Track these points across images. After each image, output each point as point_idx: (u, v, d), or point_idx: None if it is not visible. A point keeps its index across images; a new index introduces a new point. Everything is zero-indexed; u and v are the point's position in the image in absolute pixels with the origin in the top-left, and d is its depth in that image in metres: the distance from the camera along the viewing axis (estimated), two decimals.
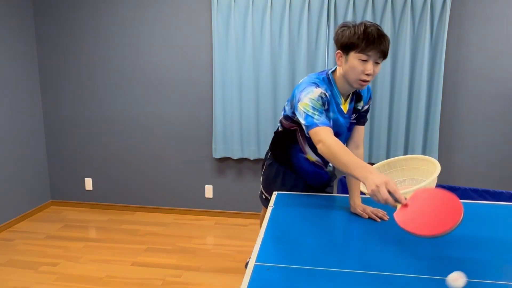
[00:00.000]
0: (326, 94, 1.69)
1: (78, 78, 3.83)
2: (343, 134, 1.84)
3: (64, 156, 4.01)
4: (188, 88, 3.68)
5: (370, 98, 1.89)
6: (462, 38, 3.29)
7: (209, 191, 3.86)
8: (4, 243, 3.28)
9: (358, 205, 1.74)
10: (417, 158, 2.30)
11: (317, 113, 1.62)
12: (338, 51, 1.65)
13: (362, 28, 1.54)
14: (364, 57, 1.56)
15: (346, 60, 1.62)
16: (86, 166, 4.00)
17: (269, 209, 1.77)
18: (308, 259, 1.29)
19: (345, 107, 1.78)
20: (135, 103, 3.79)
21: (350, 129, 1.89)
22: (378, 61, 1.59)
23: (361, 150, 1.94)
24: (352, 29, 1.57)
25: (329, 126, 1.60)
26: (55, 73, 3.86)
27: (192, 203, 3.92)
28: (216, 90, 3.53)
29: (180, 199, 3.93)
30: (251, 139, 3.55)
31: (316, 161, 1.98)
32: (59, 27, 3.76)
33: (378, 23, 3.29)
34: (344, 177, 2.67)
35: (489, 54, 3.28)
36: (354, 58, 1.58)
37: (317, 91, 1.66)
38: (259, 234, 1.50)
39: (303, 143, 1.94)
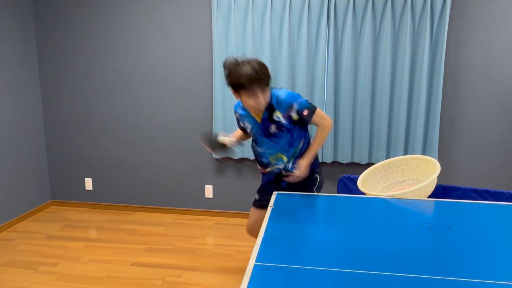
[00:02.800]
0: (235, 113, 2.20)
1: (78, 78, 3.83)
2: (259, 138, 2.13)
3: (64, 156, 4.01)
4: (188, 88, 3.69)
5: (289, 107, 2.00)
6: (462, 38, 3.29)
7: (209, 191, 3.86)
8: (4, 243, 3.28)
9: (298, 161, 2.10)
10: (417, 158, 2.31)
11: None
12: (231, 88, 1.92)
13: (240, 70, 1.83)
14: (248, 94, 1.87)
15: (239, 96, 1.92)
16: (86, 166, 4.00)
17: (269, 209, 1.78)
18: (308, 259, 1.29)
19: (258, 118, 2.07)
20: (135, 103, 3.79)
21: (273, 134, 2.07)
22: (264, 89, 1.89)
23: (320, 127, 2.10)
24: (235, 71, 1.85)
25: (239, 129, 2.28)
26: (55, 73, 3.86)
27: (192, 203, 3.92)
28: (216, 90, 3.53)
29: (180, 199, 3.93)
30: (251, 139, 3.54)
31: (260, 169, 2.30)
32: (59, 27, 3.76)
33: (378, 23, 3.29)
34: (345, 177, 2.67)
35: (489, 54, 3.28)
36: (244, 95, 1.90)
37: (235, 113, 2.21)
38: (259, 234, 1.50)
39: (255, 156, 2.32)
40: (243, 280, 1.16)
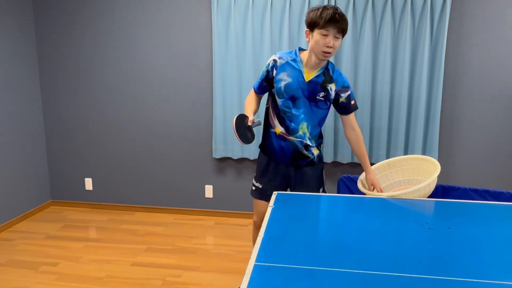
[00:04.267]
0: (277, 60, 2.12)
1: (78, 78, 3.83)
2: (300, 98, 2.10)
3: (64, 156, 4.01)
4: (188, 88, 3.69)
5: (344, 87, 2.14)
6: (462, 38, 3.29)
7: (209, 191, 3.86)
8: (4, 243, 3.28)
9: (368, 179, 2.19)
10: (417, 158, 2.31)
11: (259, 78, 2.22)
12: (306, 29, 2.02)
13: (321, 10, 1.92)
14: (324, 32, 1.93)
15: (312, 36, 1.99)
16: (86, 166, 4.00)
17: (269, 209, 1.78)
18: (308, 259, 1.29)
19: (308, 76, 2.09)
20: (135, 103, 3.79)
21: (317, 101, 2.11)
22: (337, 36, 1.96)
23: (357, 131, 2.24)
24: (316, 11, 1.94)
25: (255, 89, 2.24)
26: (55, 73, 3.86)
27: (192, 203, 3.92)
28: (216, 90, 3.53)
29: (180, 199, 3.93)
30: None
31: (281, 132, 2.19)
32: (59, 27, 3.76)
33: (378, 23, 3.29)
34: (344, 177, 2.67)
35: (489, 54, 3.28)
36: (317, 34, 1.95)
37: (270, 59, 2.16)
38: (259, 234, 1.50)
39: (272, 116, 2.21)
40: (243, 280, 1.16)
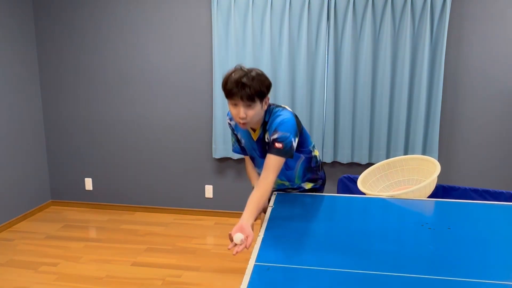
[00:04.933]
0: (230, 122, 1.98)
1: (78, 78, 3.83)
2: (256, 158, 1.94)
3: (64, 156, 4.01)
4: (188, 88, 3.68)
5: (274, 130, 1.74)
6: (462, 38, 3.29)
7: (209, 191, 3.86)
8: (4, 243, 3.28)
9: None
10: (417, 158, 2.31)
11: (231, 140, 2.06)
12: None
13: (228, 76, 1.64)
14: (232, 102, 1.66)
15: (230, 110, 1.72)
16: (86, 166, 4.00)
17: (269, 209, 1.78)
18: (308, 259, 1.29)
19: (254, 135, 1.86)
20: (135, 103, 3.79)
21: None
22: (249, 104, 1.63)
23: (268, 179, 1.71)
24: (225, 79, 1.66)
25: (239, 153, 2.07)
26: (55, 73, 3.86)
27: (192, 203, 3.92)
28: (216, 90, 3.53)
29: (180, 199, 3.93)
30: None
31: None
32: (59, 27, 3.76)
33: (378, 23, 3.29)
34: (344, 177, 2.67)
35: (489, 54, 3.28)
36: (229, 104, 1.70)
37: (228, 123, 2.00)
38: (259, 234, 1.50)
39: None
40: (243, 280, 1.16)
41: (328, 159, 3.52)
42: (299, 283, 1.15)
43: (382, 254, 1.32)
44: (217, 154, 3.66)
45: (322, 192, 2.12)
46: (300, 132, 1.85)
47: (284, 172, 1.96)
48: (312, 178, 2.03)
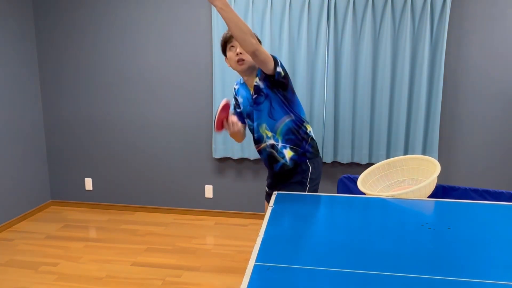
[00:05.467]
0: (234, 88, 2.26)
1: (78, 78, 3.83)
2: (252, 112, 2.12)
3: (64, 156, 4.01)
4: (188, 88, 3.69)
5: (261, 71, 2.06)
6: (462, 38, 3.29)
7: (209, 191, 3.86)
8: (4, 243, 3.28)
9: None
10: (417, 158, 2.31)
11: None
12: (226, 58, 2.13)
13: (222, 37, 2.10)
14: (230, 46, 2.06)
15: (227, 57, 2.10)
16: (86, 166, 4.00)
17: (269, 209, 1.78)
18: (308, 259, 1.29)
19: (251, 89, 2.14)
20: (135, 103, 3.79)
21: (256, 101, 2.08)
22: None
23: None
24: (221, 40, 2.12)
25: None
26: (55, 73, 3.86)
27: (192, 203, 3.92)
28: (216, 90, 3.53)
29: (180, 199, 3.93)
30: (251, 139, 3.55)
31: (255, 147, 2.24)
32: (59, 27, 3.76)
33: (378, 23, 3.29)
34: (344, 177, 2.67)
35: (489, 54, 3.28)
36: (228, 52, 2.08)
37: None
38: (259, 234, 1.50)
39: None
40: (243, 280, 1.16)
41: (328, 159, 3.52)
42: (299, 283, 1.15)
43: (382, 254, 1.32)
44: (217, 154, 3.66)
45: (308, 171, 2.13)
46: (287, 76, 2.08)
47: (267, 119, 2.09)
48: (295, 143, 2.09)
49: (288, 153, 2.11)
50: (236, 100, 2.26)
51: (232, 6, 3.35)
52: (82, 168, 4.01)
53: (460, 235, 1.47)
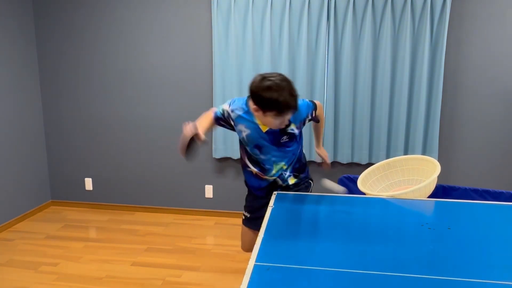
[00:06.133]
0: (230, 113, 1.97)
1: (78, 78, 3.83)
2: (266, 146, 1.97)
3: (64, 156, 4.01)
4: (188, 88, 3.68)
5: (305, 118, 1.97)
6: (462, 38, 3.29)
7: (209, 191, 3.86)
8: (4, 243, 3.28)
9: (317, 150, 2.31)
10: (417, 158, 2.31)
11: (218, 109, 2.05)
12: (255, 106, 1.77)
13: (276, 92, 1.68)
14: (280, 117, 1.75)
15: (263, 115, 1.77)
16: (86, 166, 4.00)
17: (269, 209, 1.78)
18: (308, 259, 1.29)
19: (264, 127, 1.92)
20: (135, 103, 3.79)
21: (283, 144, 1.97)
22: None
23: (321, 120, 2.20)
24: (270, 93, 1.68)
25: (215, 117, 2.06)
26: (55, 73, 3.86)
27: (192, 203, 3.92)
28: (216, 90, 3.53)
29: (180, 199, 3.93)
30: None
31: (257, 172, 2.09)
32: (59, 27, 3.76)
33: (378, 23, 3.29)
34: (344, 177, 2.67)
35: (489, 54, 3.28)
36: (269, 116, 1.75)
37: (224, 108, 2.01)
38: (259, 234, 1.50)
39: (244, 158, 2.10)
40: (243, 280, 1.16)
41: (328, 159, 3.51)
42: (299, 283, 1.15)
43: (382, 254, 1.32)
44: (217, 154, 3.66)
45: (310, 187, 2.20)
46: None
47: (290, 157, 2.04)
48: (299, 170, 2.12)
49: (291, 180, 2.11)
50: (226, 119, 2.03)
51: (232, 6, 3.35)
52: (82, 168, 4.01)
53: (460, 235, 1.47)
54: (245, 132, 1.97)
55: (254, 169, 2.09)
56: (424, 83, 3.27)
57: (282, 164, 2.04)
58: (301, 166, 2.13)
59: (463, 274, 1.19)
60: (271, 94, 1.68)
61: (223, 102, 3.57)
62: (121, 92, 3.79)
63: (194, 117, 3.71)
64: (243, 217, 2.32)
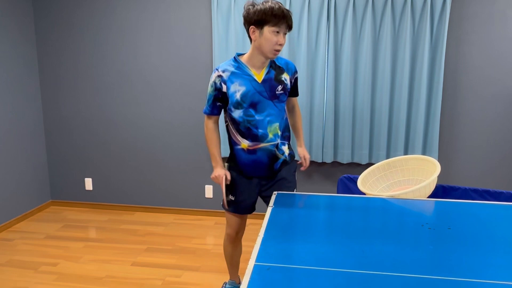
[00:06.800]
0: (222, 74, 1.99)
1: (78, 78, 3.83)
2: (261, 101, 2.00)
3: (64, 156, 4.01)
4: (188, 88, 3.69)
5: (295, 71, 2.13)
6: (462, 38, 3.29)
7: (209, 191, 3.86)
8: (4, 243, 3.28)
9: (300, 150, 2.28)
10: (417, 158, 2.31)
11: (206, 101, 2.09)
12: (252, 26, 1.91)
13: (269, 6, 1.85)
14: (276, 29, 1.87)
15: (261, 34, 1.89)
16: (86, 166, 4.00)
17: (269, 209, 1.78)
18: (308, 259, 1.29)
19: (259, 77, 2.00)
20: (135, 103, 3.79)
21: (278, 97, 2.04)
22: (285, 33, 1.92)
23: (297, 110, 2.31)
24: (262, 6, 1.86)
25: (208, 114, 2.09)
26: (55, 73, 3.86)
27: (192, 203, 3.92)
28: None
29: (180, 199, 3.93)
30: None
31: (248, 146, 2.06)
32: (59, 27, 3.76)
33: (378, 23, 3.29)
34: (344, 177, 2.67)
35: (489, 54, 3.28)
36: (267, 31, 1.87)
37: (212, 77, 2.03)
38: (259, 234, 1.50)
39: (234, 133, 2.08)
40: (243, 280, 1.16)
41: (328, 159, 3.52)
42: (299, 283, 1.15)
43: (382, 254, 1.32)
44: None
45: (295, 169, 2.25)
46: None
47: (281, 119, 2.09)
48: (289, 138, 2.19)
49: (286, 149, 2.15)
50: (219, 91, 2.01)
51: (232, 6, 3.35)
52: (82, 168, 4.01)
53: (460, 235, 1.47)
54: (240, 90, 1.98)
55: (245, 143, 2.04)
56: (424, 83, 3.27)
57: (276, 126, 2.05)
58: (289, 135, 2.18)
59: (463, 274, 1.19)
60: (266, 4, 1.86)
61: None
62: (121, 92, 3.79)
63: (194, 117, 3.72)
64: (226, 200, 2.21)
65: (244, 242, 3.31)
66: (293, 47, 3.39)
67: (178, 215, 3.92)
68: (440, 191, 2.45)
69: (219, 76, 2.00)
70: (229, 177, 2.12)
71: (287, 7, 3.29)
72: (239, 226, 2.32)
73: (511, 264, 1.25)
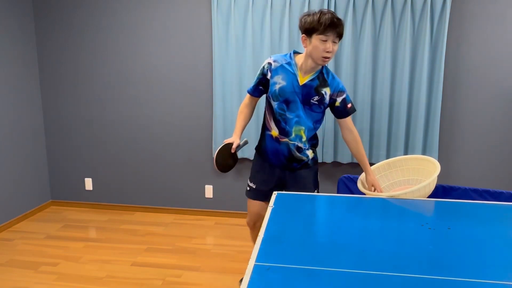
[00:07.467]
0: (272, 63, 2.14)
1: (78, 78, 3.83)
2: (294, 101, 2.11)
3: (64, 156, 4.01)
4: (188, 88, 3.69)
5: (339, 91, 2.15)
6: (462, 38, 3.29)
7: (209, 191, 3.86)
8: (4, 243, 3.28)
9: (369, 180, 2.21)
10: (417, 158, 2.31)
11: (253, 81, 2.24)
12: (303, 35, 2.03)
13: (319, 15, 1.94)
14: (324, 37, 1.95)
15: (310, 42, 2.00)
16: (86, 166, 4.00)
17: (269, 209, 1.78)
18: (308, 259, 1.29)
19: (302, 80, 2.10)
20: (135, 103, 3.79)
21: (310, 105, 2.12)
22: (336, 41, 1.99)
23: (355, 132, 2.27)
24: (313, 16, 1.96)
25: (250, 93, 2.26)
26: (55, 73, 3.86)
27: (192, 203, 3.92)
28: (216, 90, 3.53)
29: (180, 199, 3.93)
30: (251, 139, 3.55)
31: (277, 135, 2.21)
32: (59, 27, 3.76)
33: (378, 23, 3.29)
34: (345, 177, 2.67)
35: (489, 54, 3.28)
36: (316, 39, 1.97)
37: (265, 62, 2.18)
38: (259, 234, 1.50)
39: (269, 119, 2.22)
40: (243, 280, 1.16)
41: (328, 159, 3.52)
42: (299, 283, 1.15)
43: (382, 254, 1.32)
44: None
45: (317, 171, 2.35)
46: None
47: (310, 126, 2.18)
48: (315, 145, 2.31)
49: (310, 153, 2.27)
50: (264, 76, 2.17)
51: (232, 6, 3.35)
52: (82, 168, 4.01)
53: (460, 235, 1.47)
54: (280, 84, 2.11)
55: (275, 131, 2.19)
56: (424, 83, 3.27)
57: (301, 129, 2.15)
58: (316, 143, 2.30)
59: (463, 274, 1.19)
60: (316, 14, 1.95)
61: (223, 102, 3.60)
62: (121, 92, 3.79)
63: (193, 117, 3.72)
64: (248, 189, 2.40)
65: (244, 242, 3.31)
66: (293, 47, 3.39)
67: (178, 215, 3.92)
68: (440, 191, 2.45)
69: (269, 63, 2.15)
70: (235, 146, 2.16)
71: (287, 8, 3.29)
72: (256, 216, 2.40)
73: (511, 264, 1.25)
